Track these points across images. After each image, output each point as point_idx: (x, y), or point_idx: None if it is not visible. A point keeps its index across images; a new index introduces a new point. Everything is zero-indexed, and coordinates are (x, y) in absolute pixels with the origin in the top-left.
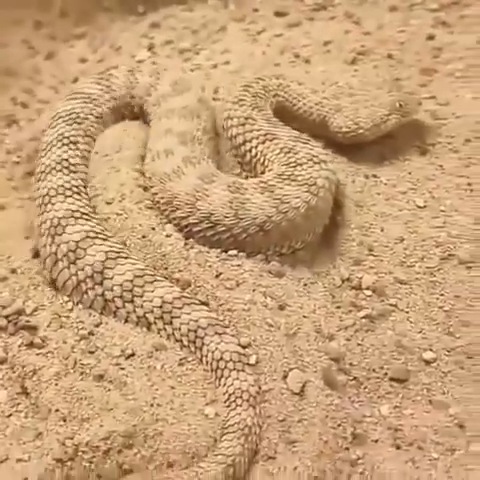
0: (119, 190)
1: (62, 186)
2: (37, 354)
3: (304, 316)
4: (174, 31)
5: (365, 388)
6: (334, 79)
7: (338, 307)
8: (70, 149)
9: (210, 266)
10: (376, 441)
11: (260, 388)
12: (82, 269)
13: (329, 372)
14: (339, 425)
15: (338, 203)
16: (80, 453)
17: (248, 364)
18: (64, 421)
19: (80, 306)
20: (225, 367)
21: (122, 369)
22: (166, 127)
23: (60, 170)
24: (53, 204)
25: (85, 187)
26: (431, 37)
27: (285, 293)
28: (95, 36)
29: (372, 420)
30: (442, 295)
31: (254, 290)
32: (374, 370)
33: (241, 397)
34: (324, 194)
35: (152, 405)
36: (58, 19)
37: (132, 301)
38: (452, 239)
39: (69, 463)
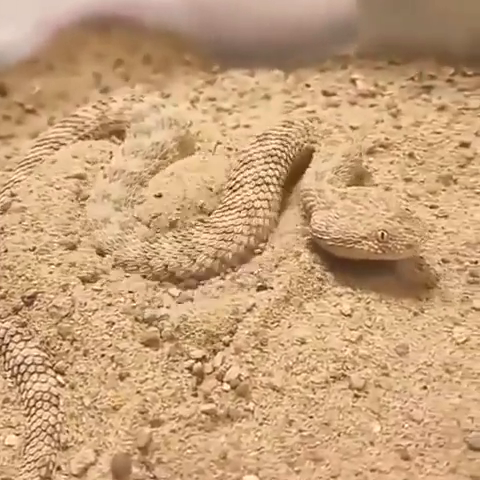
0: None
1: None
2: None
3: (138, 391)
4: (223, 91)
5: None
6: None
7: (194, 395)
8: None
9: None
10: None
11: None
12: None
13: (122, 460)
14: None
15: None
16: None
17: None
18: None
19: None
20: (26, 370)
21: None
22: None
23: None
24: None
25: None
26: (465, 145)
27: (134, 363)
28: (157, 83)
29: None
30: (311, 417)
31: (103, 355)
32: (181, 475)
33: (41, 399)
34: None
35: None
36: (139, 63)
37: None
38: (356, 358)
39: None
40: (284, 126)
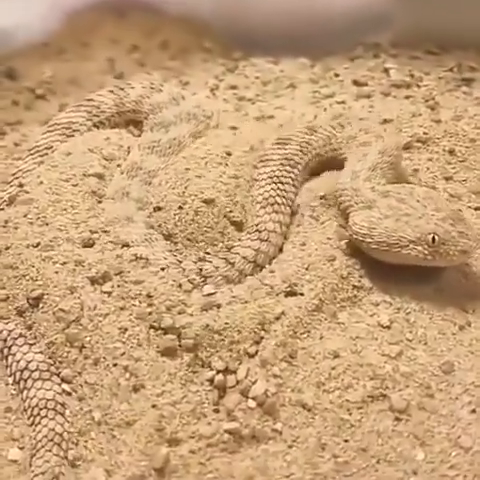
0: None
1: None
2: None
3: (154, 405)
4: (245, 79)
5: None
6: None
7: (216, 411)
8: None
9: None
10: None
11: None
12: None
13: None
14: None
15: None
16: None
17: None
18: None
19: None
20: (29, 377)
21: None
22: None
23: None
24: None
25: None
26: None
27: (150, 373)
28: (174, 70)
29: None
30: (346, 441)
31: (115, 364)
32: None
33: (46, 407)
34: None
35: None
36: (156, 49)
37: None
38: (396, 376)
39: None
40: (306, 133)
